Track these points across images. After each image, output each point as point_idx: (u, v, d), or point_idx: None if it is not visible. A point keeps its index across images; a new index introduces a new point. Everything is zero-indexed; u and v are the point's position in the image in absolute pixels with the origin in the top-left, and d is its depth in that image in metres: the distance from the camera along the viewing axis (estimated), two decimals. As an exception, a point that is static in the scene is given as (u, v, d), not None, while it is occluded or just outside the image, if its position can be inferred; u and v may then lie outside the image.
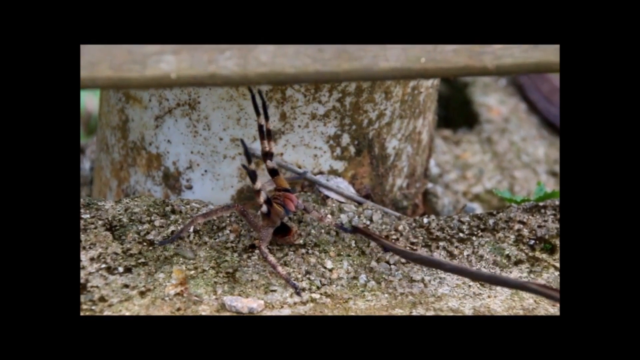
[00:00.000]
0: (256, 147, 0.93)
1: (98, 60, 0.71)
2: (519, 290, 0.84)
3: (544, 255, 0.90)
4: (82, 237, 0.86)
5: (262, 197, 0.84)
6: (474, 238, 0.91)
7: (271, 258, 0.84)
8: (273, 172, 0.86)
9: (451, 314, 0.82)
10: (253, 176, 0.83)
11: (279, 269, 0.83)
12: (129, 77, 0.72)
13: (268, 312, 0.81)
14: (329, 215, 0.90)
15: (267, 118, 0.85)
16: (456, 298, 0.84)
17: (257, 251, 0.86)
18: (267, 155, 0.86)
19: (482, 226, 0.92)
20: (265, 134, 0.85)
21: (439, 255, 0.89)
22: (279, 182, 0.87)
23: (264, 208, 0.84)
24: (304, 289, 0.84)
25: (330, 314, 0.81)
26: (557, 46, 0.80)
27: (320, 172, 0.95)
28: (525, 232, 0.91)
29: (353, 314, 0.81)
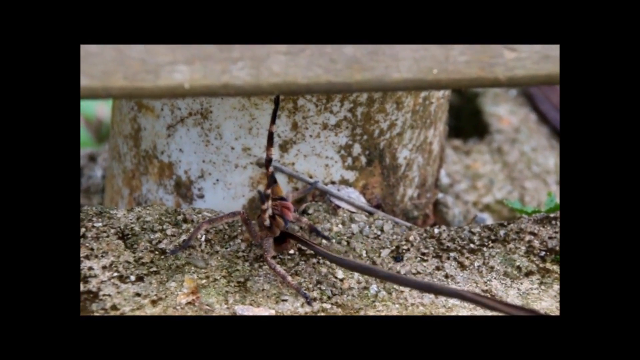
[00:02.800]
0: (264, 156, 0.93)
1: (112, 70, 0.72)
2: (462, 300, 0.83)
3: (555, 267, 0.90)
4: (94, 245, 0.86)
5: (268, 213, 0.84)
6: (484, 249, 0.91)
7: (280, 269, 0.84)
8: (273, 180, 0.86)
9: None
10: (264, 199, 0.83)
11: (289, 279, 0.83)
12: (142, 87, 0.72)
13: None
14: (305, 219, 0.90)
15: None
16: (467, 309, 0.84)
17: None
18: (271, 161, 0.86)
19: (492, 237, 0.92)
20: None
21: (450, 266, 0.89)
22: (276, 191, 0.87)
23: (268, 222, 0.84)
24: (314, 299, 0.84)
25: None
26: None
27: (332, 182, 0.95)
28: (536, 243, 0.91)
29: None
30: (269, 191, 0.84)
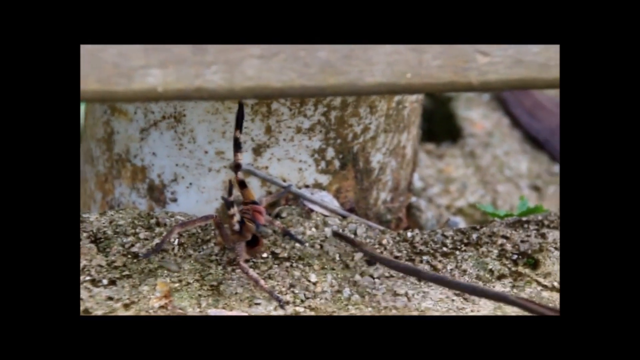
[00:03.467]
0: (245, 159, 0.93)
1: (85, 73, 0.71)
2: (502, 304, 0.84)
3: (527, 270, 0.90)
4: (67, 249, 0.86)
5: (236, 218, 0.84)
6: (457, 252, 0.91)
7: (252, 273, 0.84)
8: (242, 184, 0.87)
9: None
10: (230, 205, 0.83)
11: (262, 282, 0.83)
12: (115, 91, 0.72)
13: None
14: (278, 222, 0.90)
15: (241, 131, 0.86)
16: (440, 312, 0.84)
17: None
18: (239, 167, 0.86)
19: (465, 240, 0.92)
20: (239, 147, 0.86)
21: (423, 269, 0.89)
22: (247, 195, 0.87)
23: (237, 227, 0.84)
24: (287, 302, 0.84)
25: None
26: (542, 63, 0.81)
27: (305, 186, 0.95)
28: (509, 246, 0.91)
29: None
30: (233, 197, 0.84)
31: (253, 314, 0.82)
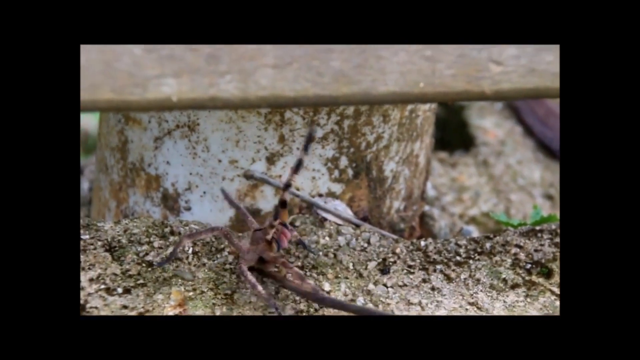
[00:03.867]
0: (255, 169, 0.93)
1: (99, 83, 0.72)
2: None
3: (541, 280, 0.90)
4: (82, 257, 0.86)
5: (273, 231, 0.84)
6: (470, 261, 0.91)
7: (250, 277, 0.83)
8: (283, 204, 0.86)
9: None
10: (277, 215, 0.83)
11: (259, 288, 0.83)
12: (130, 100, 0.73)
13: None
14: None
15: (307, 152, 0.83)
16: (458, 312, 0.85)
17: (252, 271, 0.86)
18: (288, 186, 0.84)
19: (479, 249, 0.92)
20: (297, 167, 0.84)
21: (436, 278, 0.89)
22: (282, 215, 0.86)
23: (269, 237, 0.84)
24: (301, 311, 0.84)
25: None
26: (555, 72, 0.81)
27: (319, 195, 0.95)
28: (522, 256, 0.91)
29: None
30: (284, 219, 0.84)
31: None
